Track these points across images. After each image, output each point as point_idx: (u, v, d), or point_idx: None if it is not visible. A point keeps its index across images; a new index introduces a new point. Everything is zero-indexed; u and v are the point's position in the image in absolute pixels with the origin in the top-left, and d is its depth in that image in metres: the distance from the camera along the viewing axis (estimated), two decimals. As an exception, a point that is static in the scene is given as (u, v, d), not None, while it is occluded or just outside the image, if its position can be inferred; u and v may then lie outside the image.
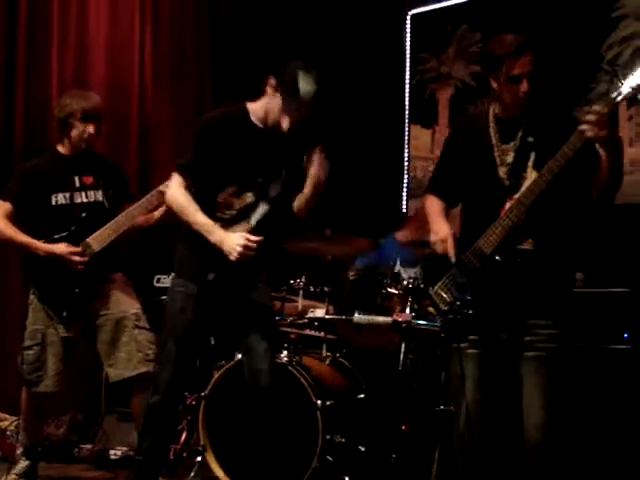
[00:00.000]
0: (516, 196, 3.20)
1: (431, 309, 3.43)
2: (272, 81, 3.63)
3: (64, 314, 4.28)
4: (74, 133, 4.36)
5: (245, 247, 3.48)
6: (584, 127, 2.99)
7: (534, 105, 3.29)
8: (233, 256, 3.48)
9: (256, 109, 3.70)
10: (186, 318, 3.66)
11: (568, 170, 3.10)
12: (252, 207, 3.63)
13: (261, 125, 3.69)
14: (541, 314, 3.24)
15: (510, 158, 3.30)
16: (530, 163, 3.24)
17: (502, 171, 3.31)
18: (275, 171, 3.64)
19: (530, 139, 3.26)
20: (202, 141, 3.65)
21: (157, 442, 3.77)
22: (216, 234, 3.55)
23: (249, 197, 3.64)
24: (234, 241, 3.49)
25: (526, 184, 3.21)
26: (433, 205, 3.57)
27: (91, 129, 4.35)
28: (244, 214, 3.63)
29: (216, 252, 3.53)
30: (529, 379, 3.25)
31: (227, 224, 3.62)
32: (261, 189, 3.63)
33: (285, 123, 3.56)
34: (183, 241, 3.77)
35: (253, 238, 3.50)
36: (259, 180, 3.63)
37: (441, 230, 3.42)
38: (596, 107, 2.97)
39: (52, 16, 5.81)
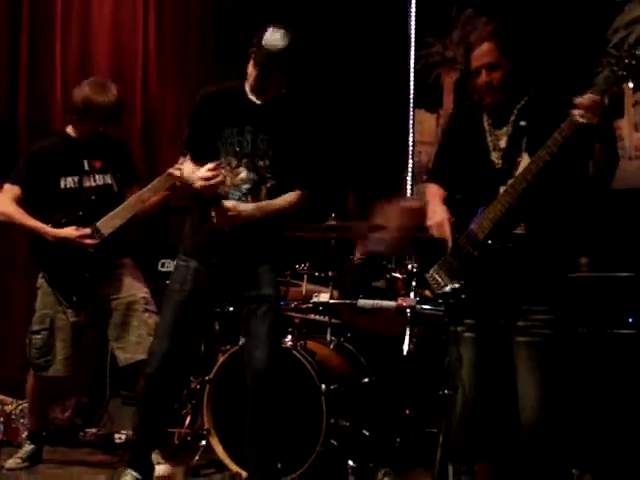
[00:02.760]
0: (510, 182, 3.21)
1: (428, 292, 3.45)
2: (250, 50, 3.67)
3: (74, 299, 4.29)
4: (90, 124, 4.36)
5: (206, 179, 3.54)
6: (576, 112, 3.01)
7: (528, 89, 3.31)
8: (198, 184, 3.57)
9: (249, 82, 3.70)
10: (184, 291, 3.70)
11: (561, 155, 3.10)
12: (248, 184, 3.65)
13: (254, 99, 3.69)
14: (535, 299, 3.25)
15: (503, 143, 3.31)
16: (523, 147, 3.25)
17: (495, 156, 3.32)
18: (266, 147, 3.65)
19: (522, 123, 3.27)
20: (197, 114, 3.72)
21: (151, 416, 3.79)
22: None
23: (242, 172, 3.64)
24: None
25: (520, 168, 3.21)
26: (431, 190, 3.59)
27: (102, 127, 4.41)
28: (239, 191, 3.65)
29: (217, 231, 3.60)
30: (523, 364, 3.26)
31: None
32: (256, 165, 3.64)
33: (252, 77, 3.62)
34: (189, 218, 3.82)
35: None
36: (251, 156, 3.63)
37: (437, 213, 3.43)
38: (590, 94, 2.99)
39: (56, 3, 5.78)
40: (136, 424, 3.91)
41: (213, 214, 3.59)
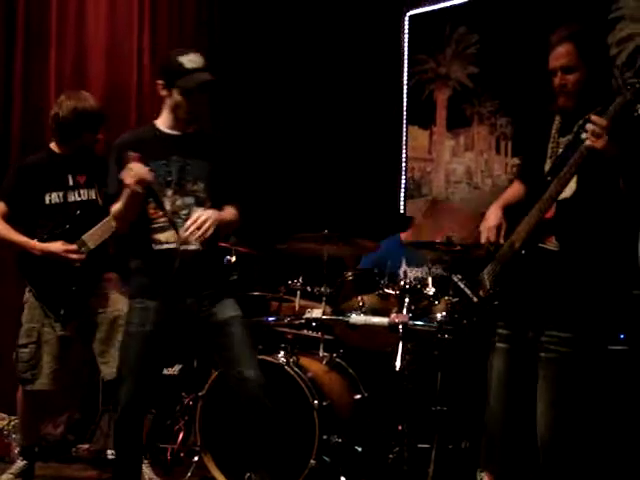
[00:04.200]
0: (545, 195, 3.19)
1: (482, 292, 3.44)
2: (159, 83, 3.68)
3: (61, 312, 4.29)
4: (79, 135, 4.36)
5: None
6: (584, 135, 3.02)
7: (601, 99, 3.19)
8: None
9: (163, 120, 3.73)
10: (146, 332, 3.63)
11: (593, 174, 3.10)
12: (184, 210, 3.64)
13: (173, 132, 3.71)
14: (557, 316, 3.24)
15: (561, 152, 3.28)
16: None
17: (548, 165, 3.30)
18: (196, 171, 3.65)
19: (584, 135, 3.11)
20: (116, 162, 3.67)
21: (127, 453, 3.72)
22: None
23: (177, 199, 3.64)
24: None
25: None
26: (507, 191, 3.60)
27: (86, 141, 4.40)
28: (179, 217, 3.63)
29: (164, 268, 3.57)
30: (541, 380, 3.27)
31: (162, 230, 3.63)
32: (189, 190, 3.64)
33: (180, 109, 3.64)
34: (133, 260, 3.75)
35: None
36: (182, 182, 3.64)
37: (490, 218, 3.43)
38: (596, 118, 3.00)
39: (50, 14, 5.83)
40: (116, 467, 3.84)
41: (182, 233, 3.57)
